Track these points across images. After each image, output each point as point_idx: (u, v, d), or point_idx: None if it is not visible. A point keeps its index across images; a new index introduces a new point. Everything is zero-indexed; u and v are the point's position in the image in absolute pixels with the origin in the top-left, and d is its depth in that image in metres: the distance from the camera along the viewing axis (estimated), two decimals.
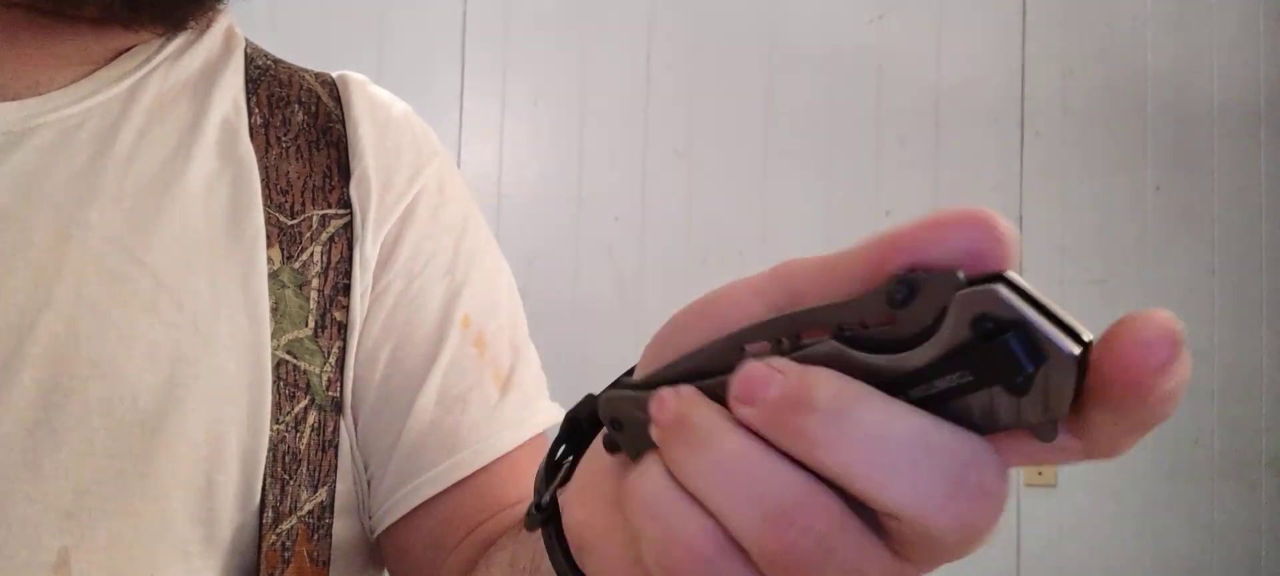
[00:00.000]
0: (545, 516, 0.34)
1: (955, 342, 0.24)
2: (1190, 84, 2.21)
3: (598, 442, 0.32)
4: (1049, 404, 0.24)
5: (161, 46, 0.54)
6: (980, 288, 0.24)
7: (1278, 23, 2.21)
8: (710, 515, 0.26)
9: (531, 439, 0.57)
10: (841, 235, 2.19)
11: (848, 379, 0.25)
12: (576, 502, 0.32)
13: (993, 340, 0.24)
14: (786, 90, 2.25)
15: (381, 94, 0.60)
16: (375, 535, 0.55)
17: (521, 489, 0.55)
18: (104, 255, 0.47)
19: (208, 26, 0.56)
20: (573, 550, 0.33)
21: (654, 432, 0.27)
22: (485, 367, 0.56)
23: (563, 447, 0.35)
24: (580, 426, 0.34)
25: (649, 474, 0.27)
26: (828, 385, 0.24)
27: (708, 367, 0.28)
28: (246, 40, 0.59)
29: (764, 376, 0.25)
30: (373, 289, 0.53)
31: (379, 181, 0.55)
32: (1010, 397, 0.24)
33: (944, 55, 2.23)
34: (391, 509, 0.53)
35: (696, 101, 2.28)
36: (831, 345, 0.25)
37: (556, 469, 0.35)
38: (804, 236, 2.20)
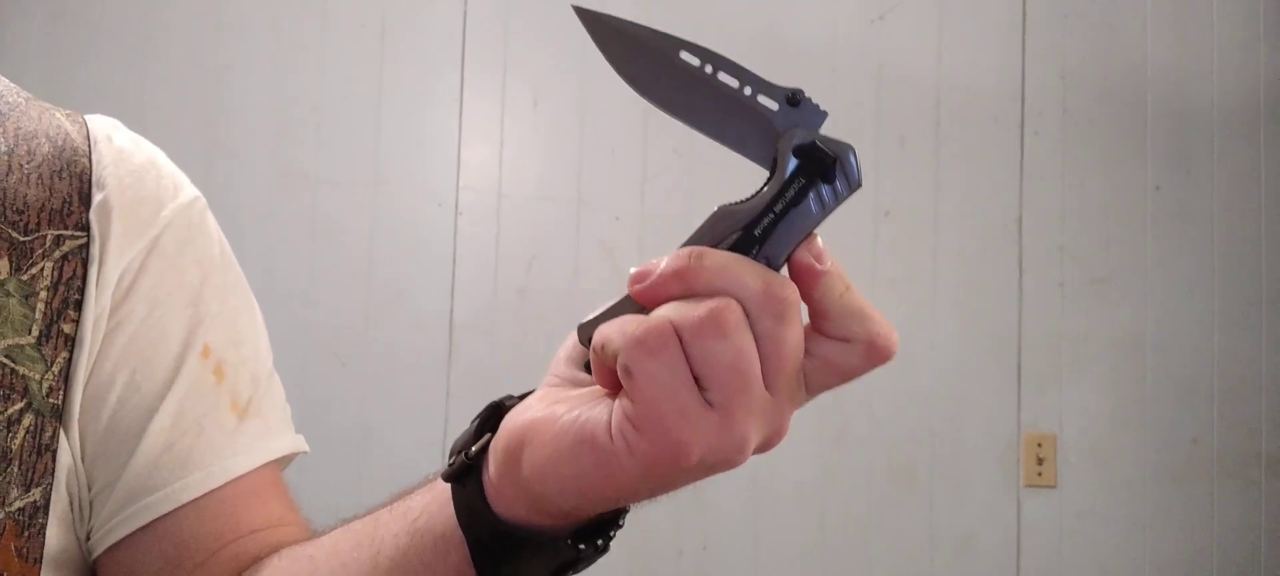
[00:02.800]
0: (470, 463, 0.42)
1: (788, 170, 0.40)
2: (1190, 84, 2.21)
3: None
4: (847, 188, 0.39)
5: None
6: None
7: (1278, 23, 2.22)
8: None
9: (268, 464, 0.59)
10: (841, 235, 2.19)
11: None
12: (526, 415, 0.40)
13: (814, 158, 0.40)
14: None
15: (131, 137, 0.63)
16: (94, 555, 0.57)
17: (264, 514, 0.58)
18: None
19: None
20: (510, 452, 0.40)
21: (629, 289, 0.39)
22: (223, 395, 0.58)
23: (484, 419, 0.43)
24: (500, 409, 0.43)
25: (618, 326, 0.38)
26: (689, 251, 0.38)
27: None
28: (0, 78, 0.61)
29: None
30: (112, 315, 0.56)
31: (121, 210, 0.57)
32: (828, 188, 0.39)
33: (944, 55, 2.23)
34: (117, 526, 0.55)
35: None
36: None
37: (484, 428, 0.42)
38: None
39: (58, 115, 0.61)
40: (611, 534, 0.42)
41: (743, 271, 0.37)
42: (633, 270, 0.39)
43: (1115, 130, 2.22)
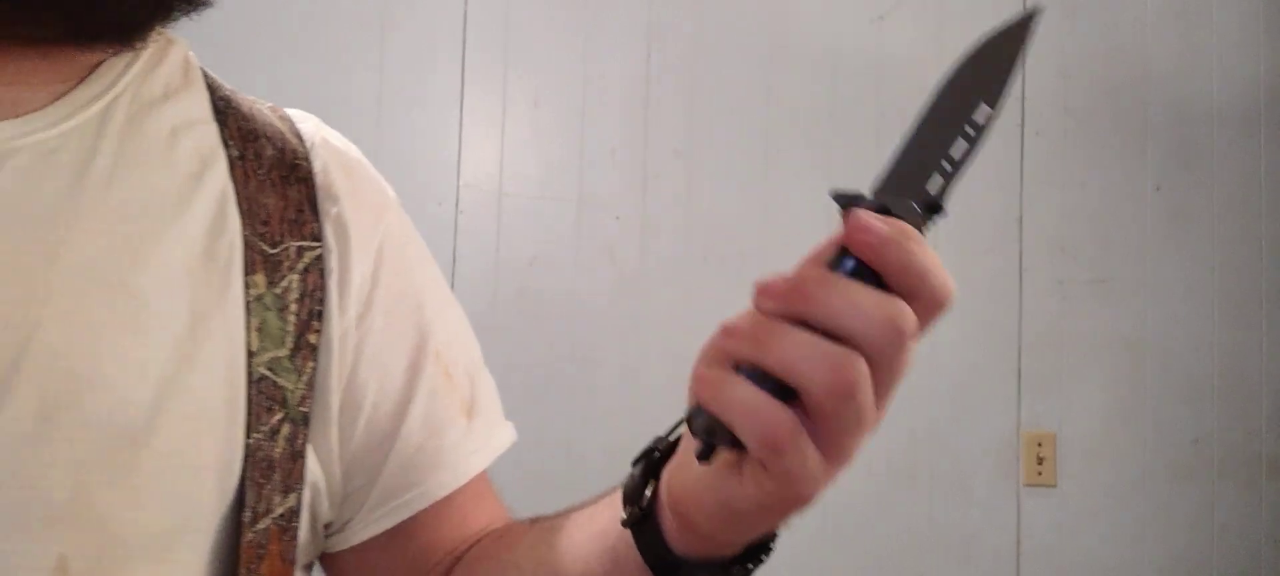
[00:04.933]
0: (644, 513, 0.48)
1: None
2: (1190, 84, 2.21)
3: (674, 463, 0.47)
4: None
5: (125, 69, 0.57)
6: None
7: (1278, 23, 2.22)
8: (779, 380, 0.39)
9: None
10: None
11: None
12: (677, 479, 0.45)
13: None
14: (786, 90, 2.25)
15: (339, 138, 0.65)
16: (335, 550, 0.61)
17: (488, 515, 0.63)
18: (92, 277, 0.50)
19: (166, 49, 0.60)
20: (670, 524, 0.46)
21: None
22: (453, 396, 0.62)
23: (646, 462, 0.48)
24: (651, 456, 0.48)
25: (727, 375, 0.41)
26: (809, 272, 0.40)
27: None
28: (201, 68, 0.62)
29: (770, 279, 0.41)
30: (359, 327, 0.58)
31: (353, 221, 0.59)
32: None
33: (944, 55, 2.23)
34: (373, 523, 0.59)
35: (696, 101, 2.28)
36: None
37: (646, 478, 0.48)
38: (804, 236, 2.19)
39: (264, 110, 0.62)
40: (771, 546, 0.48)
41: (865, 302, 0.38)
42: (757, 282, 0.41)
43: (1115, 130, 2.22)
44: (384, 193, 0.64)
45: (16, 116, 0.52)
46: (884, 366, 0.39)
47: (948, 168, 0.42)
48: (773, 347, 0.38)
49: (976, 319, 2.18)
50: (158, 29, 0.57)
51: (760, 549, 0.48)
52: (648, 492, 0.48)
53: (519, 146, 2.27)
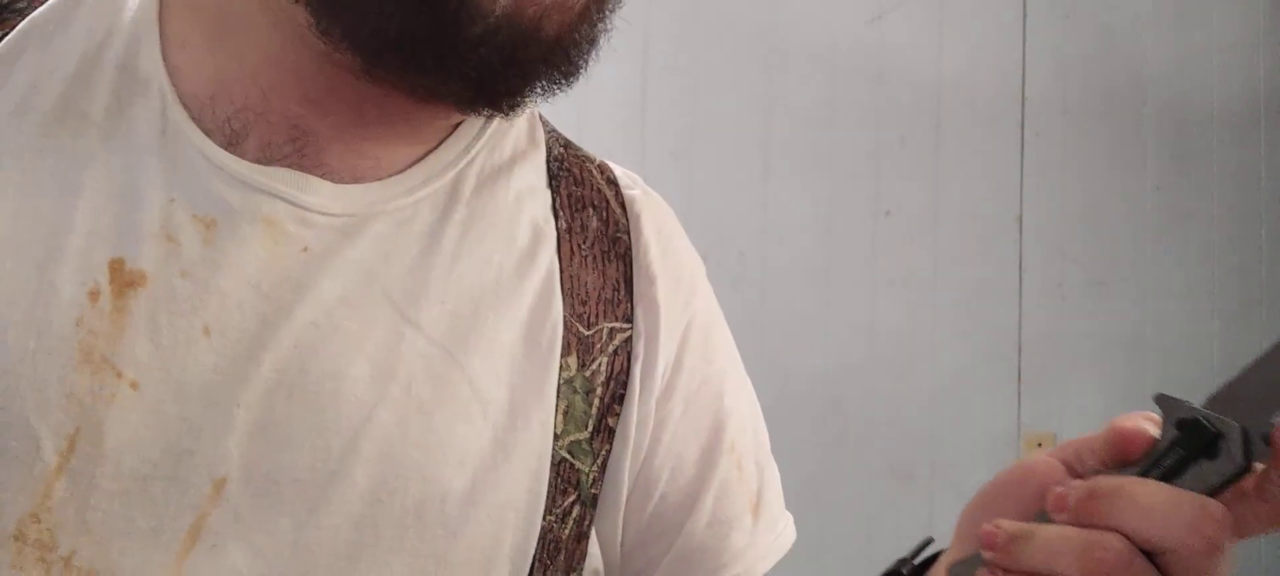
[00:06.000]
0: None
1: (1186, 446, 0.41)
2: (1190, 84, 2.21)
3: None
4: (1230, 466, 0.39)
5: (481, 132, 0.56)
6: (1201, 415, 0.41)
7: (1278, 23, 2.22)
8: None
9: None
10: (841, 235, 2.19)
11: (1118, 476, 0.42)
12: None
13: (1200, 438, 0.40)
14: (786, 90, 2.25)
15: (658, 202, 0.63)
16: None
17: None
18: (431, 357, 0.50)
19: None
20: None
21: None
22: (743, 492, 0.60)
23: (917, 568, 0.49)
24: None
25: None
26: (1108, 481, 0.41)
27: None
28: (541, 119, 0.62)
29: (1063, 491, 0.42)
30: (657, 412, 0.57)
31: (664, 305, 0.58)
32: (1210, 463, 0.39)
33: (944, 55, 2.23)
34: None
35: (696, 102, 2.28)
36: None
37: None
38: (804, 236, 2.20)
39: (593, 172, 0.62)
40: None
41: (1144, 502, 0.39)
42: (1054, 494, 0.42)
43: (1115, 130, 2.21)
44: (695, 270, 0.63)
45: (379, 179, 0.52)
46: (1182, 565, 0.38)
47: None
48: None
49: (976, 319, 2.18)
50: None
51: None
52: None
53: None
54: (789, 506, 0.67)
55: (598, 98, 2.26)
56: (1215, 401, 0.41)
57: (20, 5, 0.52)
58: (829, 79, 2.24)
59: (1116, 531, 0.38)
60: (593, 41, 0.55)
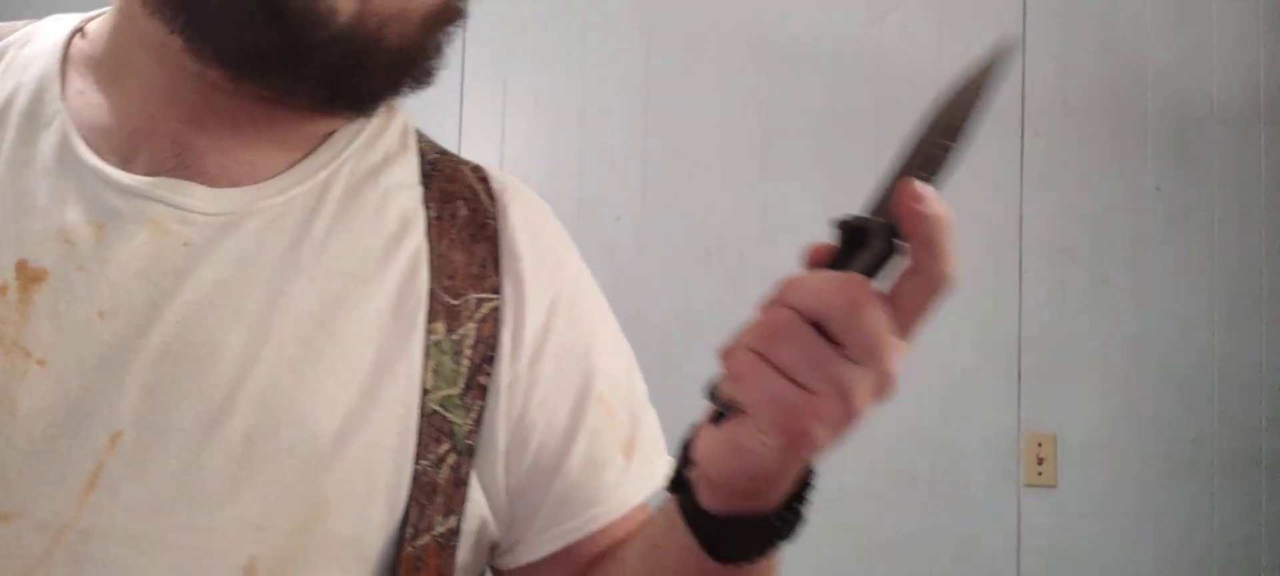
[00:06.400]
0: (679, 480, 0.54)
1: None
2: (1190, 84, 2.21)
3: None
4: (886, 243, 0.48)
5: (352, 139, 0.65)
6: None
7: (1278, 23, 2.22)
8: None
9: None
10: None
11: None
12: (704, 445, 0.51)
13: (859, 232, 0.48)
14: (786, 90, 2.25)
15: (531, 197, 0.72)
16: (511, 565, 0.68)
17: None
18: (301, 324, 0.58)
19: (390, 116, 0.68)
20: (702, 486, 0.52)
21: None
22: (614, 437, 0.68)
23: (683, 446, 0.54)
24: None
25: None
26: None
27: None
28: (415, 132, 0.70)
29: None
30: (529, 372, 0.64)
31: (531, 279, 0.66)
32: (864, 253, 0.48)
33: (944, 55, 2.23)
34: (539, 546, 0.66)
35: (696, 101, 2.28)
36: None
37: (685, 454, 0.54)
38: (804, 236, 2.19)
39: (465, 171, 0.69)
40: (801, 504, 0.53)
41: (807, 284, 0.46)
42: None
43: (1115, 130, 2.22)
44: (563, 250, 0.71)
45: (255, 182, 0.60)
46: (839, 326, 0.46)
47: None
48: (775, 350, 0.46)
49: (976, 319, 2.18)
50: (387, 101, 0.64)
51: (792, 506, 0.53)
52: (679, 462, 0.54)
53: (519, 146, 2.27)
54: None
55: (599, 98, 2.26)
56: (874, 205, 0.49)
57: None
58: (829, 79, 2.25)
59: (786, 305, 0.46)
60: (438, 48, 0.62)
